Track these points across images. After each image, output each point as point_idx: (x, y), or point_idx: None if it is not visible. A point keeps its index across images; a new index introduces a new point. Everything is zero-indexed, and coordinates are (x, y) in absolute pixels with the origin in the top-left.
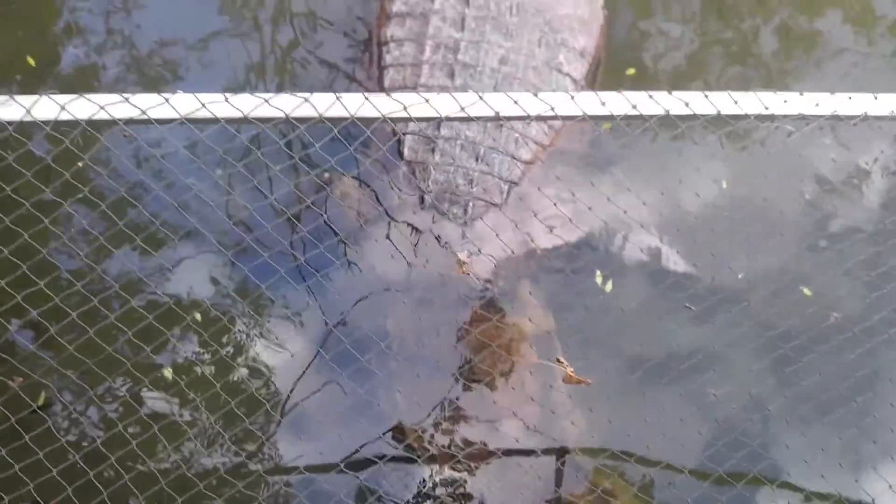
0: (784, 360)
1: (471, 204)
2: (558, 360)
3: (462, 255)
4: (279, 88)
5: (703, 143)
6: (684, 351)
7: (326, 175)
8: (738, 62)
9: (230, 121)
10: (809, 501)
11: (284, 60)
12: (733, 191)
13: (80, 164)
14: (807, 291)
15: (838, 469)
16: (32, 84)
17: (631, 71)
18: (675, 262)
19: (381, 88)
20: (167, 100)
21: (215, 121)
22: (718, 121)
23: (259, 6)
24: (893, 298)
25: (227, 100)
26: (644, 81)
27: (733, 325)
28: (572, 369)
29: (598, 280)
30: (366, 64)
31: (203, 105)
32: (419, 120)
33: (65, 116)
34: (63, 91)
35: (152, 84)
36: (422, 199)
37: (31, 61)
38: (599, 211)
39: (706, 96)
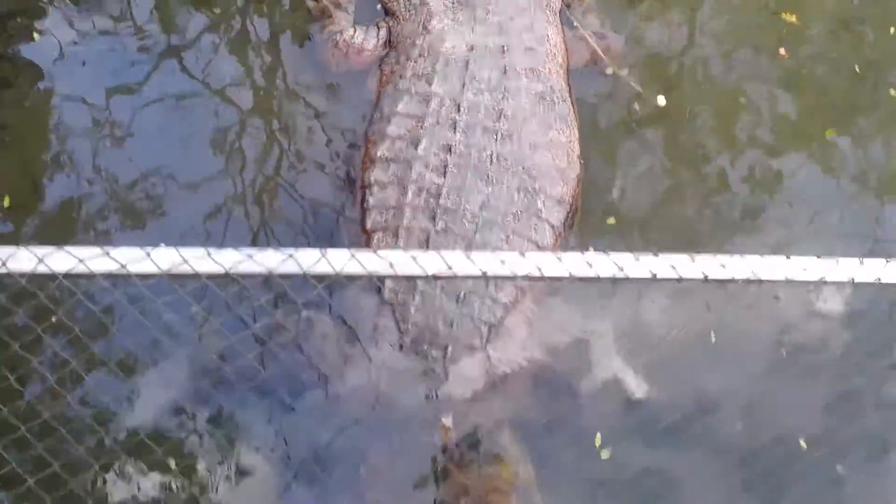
0: None
1: (450, 347)
2: None
3: (446, 422)
4: (263, 224)
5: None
6: None
7: (304, 314)
8: (712, 210)
9: (212, 276)
10: None
11: (269, 198)
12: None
13: (54, 318)
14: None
15: None
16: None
17: (611, 220)
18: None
19: (364, 229)
20: (148, 254)
21: (197, 276)
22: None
23: (246, 144)
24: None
25: (209, 255)
26: (621, 230)
27: None
28: None
29: (597, 442)
30: (350, 205)
31: (185, 260)
32: (406, 278)
33: (42, 269)
34: (38, 233)
35: (134, 219)
36: (401, 341)
37: (6, 202)
38: (582, 355)
39: (693, 259)
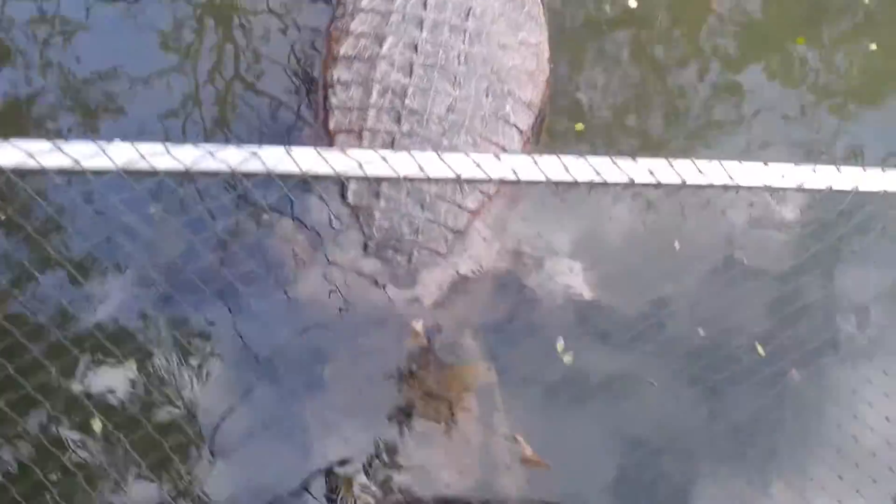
0: None
1: (415, 252)
2: (515, 439)
3: (417, 326)
4: (221, 125)
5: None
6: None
7: (267, 217)
8: (679, 118)
9: (171, 174)
10: None
11: (227, 98)
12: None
13: (2, 216)
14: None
15: None
16: None
17: (580, 126)
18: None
19: (326, 131)
20: (104, 150)
21: (154, 174)
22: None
23: (202, 41)
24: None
25: (168, 151)
26: (589, 137)
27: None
28: (531, 451)
29: (559, 348)
30: (312, 105)
31: (142, 156)
32: (373, 180)
33: None
34: None
35: (87, 116)
36: (365, 246)
37: None
38: (545, 261)
39: (671, 164)
